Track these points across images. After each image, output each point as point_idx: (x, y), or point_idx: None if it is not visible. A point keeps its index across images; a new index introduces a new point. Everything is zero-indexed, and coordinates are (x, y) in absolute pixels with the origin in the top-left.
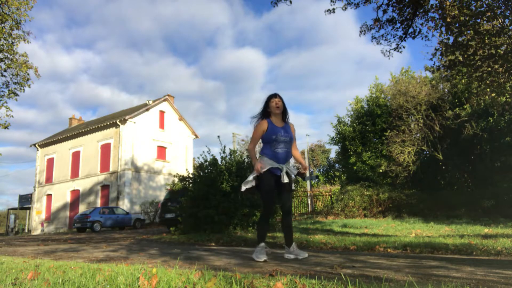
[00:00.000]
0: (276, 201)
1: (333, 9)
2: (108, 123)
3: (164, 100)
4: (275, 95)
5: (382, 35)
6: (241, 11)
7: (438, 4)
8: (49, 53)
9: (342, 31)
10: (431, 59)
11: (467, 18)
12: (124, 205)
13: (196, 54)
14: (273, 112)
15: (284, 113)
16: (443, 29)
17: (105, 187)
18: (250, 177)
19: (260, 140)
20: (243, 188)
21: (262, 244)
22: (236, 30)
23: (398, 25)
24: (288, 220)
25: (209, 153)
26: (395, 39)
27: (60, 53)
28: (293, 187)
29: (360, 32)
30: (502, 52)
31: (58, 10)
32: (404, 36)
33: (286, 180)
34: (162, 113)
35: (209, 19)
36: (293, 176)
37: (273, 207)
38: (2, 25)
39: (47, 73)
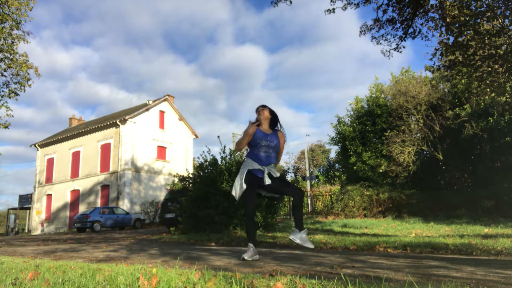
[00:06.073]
0: (257, 201)
1: (333, 9)
2: (108, 123)
3: (164, 100)
4: (261, 106)
5: (382, 35)
6: (241, 7)
7: (438, 4)
8: (46, 50)
9: (345, 28)
10: (431, 59)
11: (467, 18)
12: (124, 205)
13: (196, 52)
14: (260, 120)
15: (273, 122)
16: (443, 29)
17: (105, 187)
18: (237, 183)
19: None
20: (237, 195)
21: (250, 244)
22: (236, 27)
23: (398, 25)
24: (295, 202)
25: (209, 153)
26: (395, 39)
27: (58, 50)
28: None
29: (360, 32)
30: (502, 52)
31: (55, 6)
32: (404, 36)
33: (268, 182)
34: (162, 113)
35: (209, 15)
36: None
37: (251, 207)
38: (2, 25)
39: (45, 71)
